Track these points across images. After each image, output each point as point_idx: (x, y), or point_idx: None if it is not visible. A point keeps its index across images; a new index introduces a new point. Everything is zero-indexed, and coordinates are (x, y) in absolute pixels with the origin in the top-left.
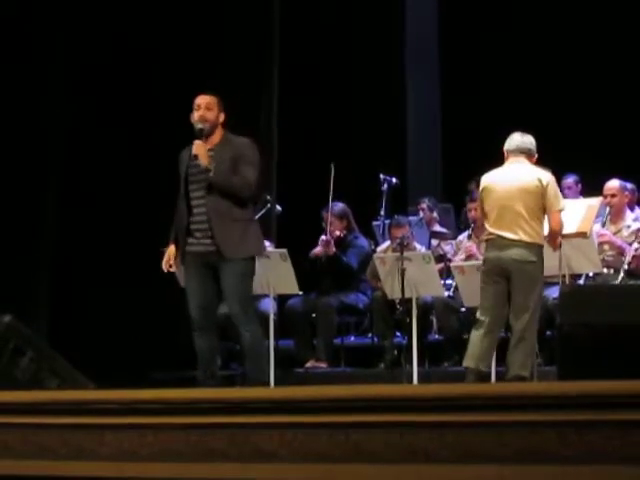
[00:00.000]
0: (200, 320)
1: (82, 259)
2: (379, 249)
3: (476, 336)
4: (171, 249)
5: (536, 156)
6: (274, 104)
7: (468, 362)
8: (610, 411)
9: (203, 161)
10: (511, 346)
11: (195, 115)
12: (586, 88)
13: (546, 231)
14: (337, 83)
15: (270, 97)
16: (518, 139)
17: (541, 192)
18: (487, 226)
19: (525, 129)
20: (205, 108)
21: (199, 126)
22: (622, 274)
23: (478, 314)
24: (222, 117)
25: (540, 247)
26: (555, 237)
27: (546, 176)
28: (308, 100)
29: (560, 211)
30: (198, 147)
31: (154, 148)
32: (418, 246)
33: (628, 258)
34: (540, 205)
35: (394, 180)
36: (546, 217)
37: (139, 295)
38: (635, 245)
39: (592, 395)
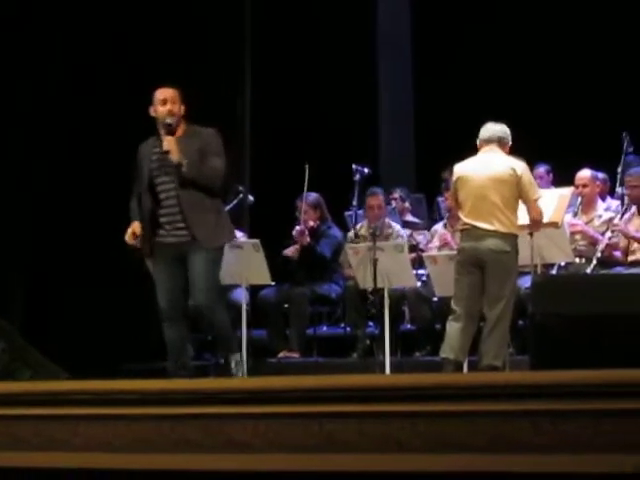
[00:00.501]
0: (169, 311)
1: (56, 252)
2: (349, 235)
3: (452, 327)
4: (136, 224)
5: (510, 144)
6: (247, 94)
7: (446, 353)
8: (583, 400)
9: (175, 157)
10: (484, 335)
11: (162, 110)
12: (557, 78)
13: (526, 220)
14: (310, 74)
15: (243, 87)
16: (490, 128)
17: (515, 182)
18: (462, 216)
19: (497, 119)
20: (171, 102)
21: (168, 121)
22: (594, 262)
23: (452, 304)
24: (183, 109)
25: (515, 237)
26: (537, 226)
27: (520, 165)
28: (281, 91)
29: (538, 199)
30: (169, 143)
31: (128, 145)
32: (395, 225)
33: (601, 246)
34: (515, 195)
35: (366, 170)
36: (524, 207)
37: (111, 287)
38: (608, 234)
39: (564, 384)
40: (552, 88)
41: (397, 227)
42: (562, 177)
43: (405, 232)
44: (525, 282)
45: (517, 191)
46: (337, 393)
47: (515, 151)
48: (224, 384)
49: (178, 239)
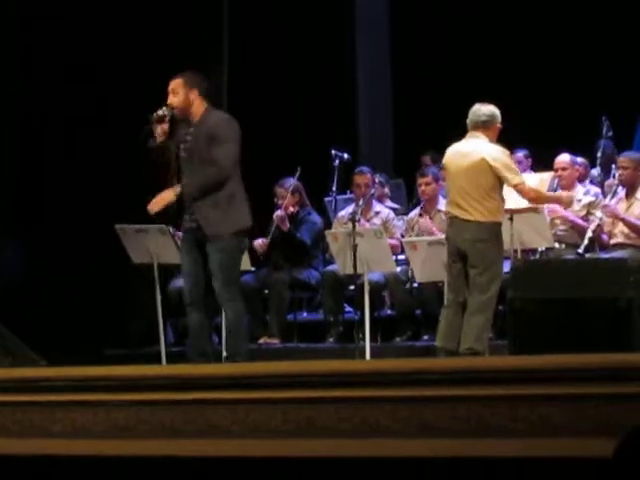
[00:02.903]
0: (190, 296)
1: (35, 237)
2: (339, 214)
3: (443, 315)
4: (170, 193)
5: (498, 125)
6: (224, 76)
7: (437, 341)
8: (562, 385)
9: (168, 198)
10: (465, 319)
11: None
12: (535, 63)
13: (511, 205)
14: (287, 59)
15: (220, 68)
16: (473, 112)
17: (491, 171)
18: (446, 204)
19: (475, 101)
20: (171, 93)
21: (158, 113)
22: (586, 242)
23: (445, 292)
24: (194, 94)
25: (494, 225)
26: (538, 204)
27: (494, 155)
28: (258, 76)
29: (521, 184)
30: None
31: (107, 129)
32: (377, 207)
33: (589, 234)
34: (493, 183)
35: (346, 156)
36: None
37: (92, 272)
38: (598, 214)
39: (544, 369)
40: (531, 73)
41: (384, 209)
42: (541, 162)
43: (391, 214)
44: (505, 267)
45: (496, 179)
46: (317, 379)
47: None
48: (204, 370)
49: (191, 224)
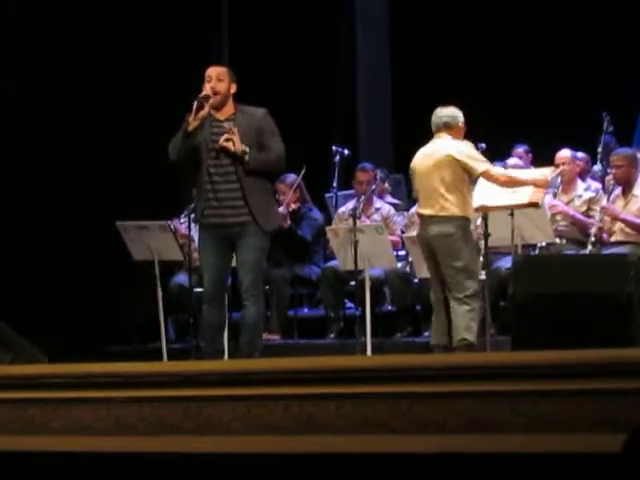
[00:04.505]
0: (212, 293)
1: (34, 230)
2: (340, 210)
3: (434, 313)
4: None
5: (460, 124)
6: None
7: (432, 339)
8: (564, 381)
9: (237, 147)
10: (452, 313)
11: (206, 87)
12: (537, 56)
13: (479, 202)
14: (286, 52)
15: (219, 57)
16: (437, 114)
17: (456, 165)
18: (417, 207)
19: (476, 97)
20: (216, 79)
21: (202, 94)
22: (590, 247)
23: (431, 288)
24: (234, 88)
25: (462, 219)
26: (510, 186)
27: (456, 147)
28: (257, 70)
29: (488, 170)
30: (233, 134)
31: (103, 117)
32: (378, 203)
33: (594, 230)
34: (459, 176)
35: (346, 151)
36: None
37: (94, 269)
38: (598, 216)
39: (545, 365)
40: (532, 66)
41: (385, 206)
42: (542, 157)
43: (392, 210)
44: (506, 262)
45: (462, 173)
46: (318, 375)
47: (495, 130)
48: (204, 366)
49: (232, 219)
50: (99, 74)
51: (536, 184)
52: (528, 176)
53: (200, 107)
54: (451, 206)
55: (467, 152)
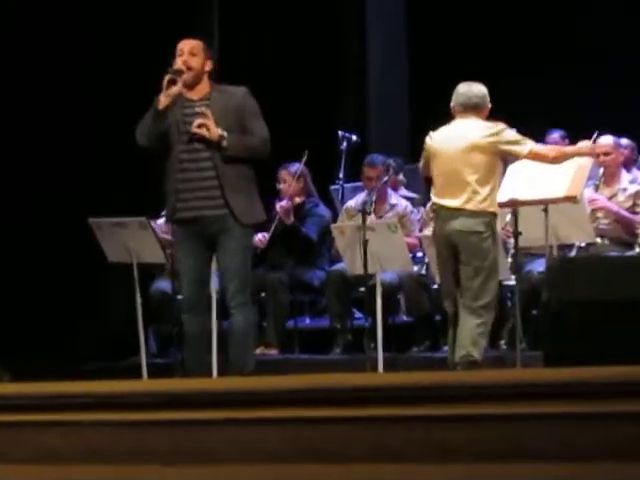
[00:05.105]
0: (192, 300)
1: (3, 240)
2: (347, 205)
3: (450, 325)
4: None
5: (488, 105)
6: (215, 38)
7: (448, 357)
8: (605, 401)
9: (213, 132)
10: (460, 323)
11: (178, 61)
12: (573, 28)
13: (506, 197)
14: (286, 24)
15: (209, 42)
16: (466, 92)
17: (492, 152)
18: (432, 195)
19: (501, 78)
20: (189, 53)
21: (173, 68)
22: (637, 248)
23: (443, 298)
24: (209, 65)
25: (490, 215)
26: (562, 161)
27: (492, 130)
28: (252, 47)
29: (532, 149)
30: (207, 118)
31: (73, 101)
32: (394, 199)
33: None
34: (493, 166)
35: (354, 137)
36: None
37: (64, 273)
38: None
39: (583, 383)
40: (566, 44)
41: (401, 201)
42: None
43: (409, 207)
44: (538, 266)
45: (494, 161)
46: (322, 395)
47: (525, 112)
48: (191, 385)
49: (208, 212)
50: (69, 54)
51: (583, 154)
52: (574, 147)
53: (172, 82)
54: (481, 199)
55: (505, 136)
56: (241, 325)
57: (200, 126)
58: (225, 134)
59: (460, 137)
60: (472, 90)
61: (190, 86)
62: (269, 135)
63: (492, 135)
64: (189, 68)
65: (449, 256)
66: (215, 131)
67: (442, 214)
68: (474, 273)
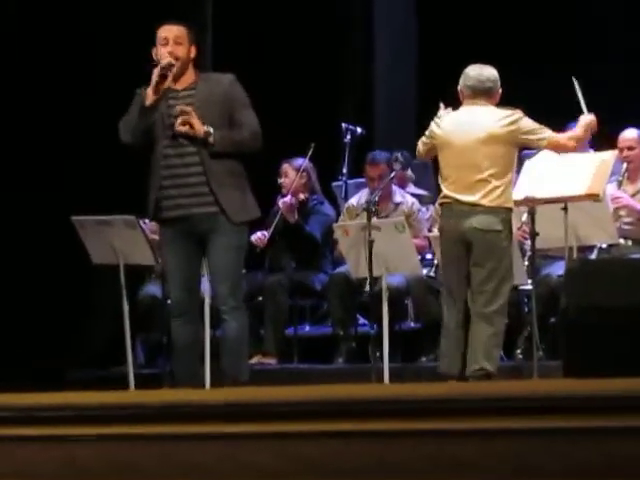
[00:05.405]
0: (182, 305)
1: None
2: (349, 203)
3: (444, 332)
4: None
5: (499, 90)
6: (207, 40)
7: (440, 366)
8: (629, 415)
9: (197, 129)
10: (471, 334)
11: (162, 51)
12: (591, 13)
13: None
14: (291, 12)
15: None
16: (477, 75)
17: (511, 142)
18: (442, 187)
19: (513, 67)
20: (174, 42)
21: (164, 62)
22: None
23: (443, 301)
24: (194, 52)
25: (508, 212)
26: (580, 144)
27: (511, 118)
28: (248, 33)
29: (551, 137)
30: (188, 113)
31: (56, 95)
32: (399, 196)
33: None
34: (511, 157)
35: (359, 130)
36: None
37: (44, 275)
38: None
39: (605, 396)
40: (587, 25)
41: (407, 199)
42: (602, 138)
43: (416, 204)
44: (557, 269)
45: (512, 152)
46: (322, 408)
47: (542, 103)
48: (181, 397)
49: (196, 210)
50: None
51: (587, 125)
52: (579, 126)
53: (163, 77)
54: (499, 194)
55: (525, 125)
56: (234, 331)
57: (184, 124)
58: (211, 130)
59: (475, 125)
60: (484, 73)
61: (176, 77)
62: (259, 127)
63: (511, 124)
64: (176, 59)
65: (461, 256)
66: (200, 128)
67: (455, 209)
68: (488, 275)
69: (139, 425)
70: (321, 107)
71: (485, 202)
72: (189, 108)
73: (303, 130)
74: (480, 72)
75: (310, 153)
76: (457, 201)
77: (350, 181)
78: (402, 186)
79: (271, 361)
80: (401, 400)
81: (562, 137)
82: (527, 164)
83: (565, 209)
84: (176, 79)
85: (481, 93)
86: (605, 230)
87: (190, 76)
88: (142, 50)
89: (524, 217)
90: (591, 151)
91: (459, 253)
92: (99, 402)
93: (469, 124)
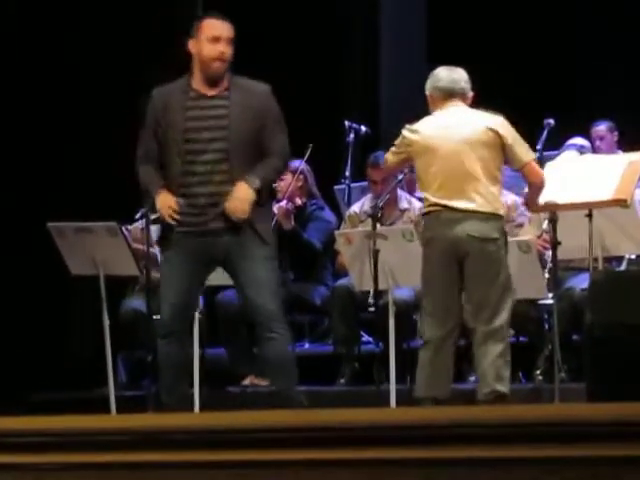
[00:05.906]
0: (172, 322)
1: None
2: (352, 209)
3: (424, 352)
4: (165, 195)
5: (472, 93)
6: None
7: (418, 391)
8: None
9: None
10: (477, 355)
11: (211, 50)
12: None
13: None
14: (295, 8)
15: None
16: (449, 76)
17: (498, 143)
18: (427, 195)
19: (531, 63)
20: (227, 42)
21: (215, 66)
22: None
23: (425, 317)
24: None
25: (501, 220)
26: (538, 194)
27: (499, 122)
28: (260, 28)
29: (533, 160)
30: (240, 212)
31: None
32: (405, 202)
33: None
34: (499, 162)
35: (363, 129)
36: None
37: (17, 287)
38: None
39: (634, 422)
40: (612, 16)
41: (415, 205)
42: (632, 138)
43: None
44: (581, 282)
45: (500, 156)
46: (322, 434)
47: (561, 101)
48: (168, 421)
49: (214, 225)
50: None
51: (615, 204)
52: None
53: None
54: (492, 198)
55: (513, 131)
56: (284, 350)
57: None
58: (257, 183)
59: (460, 128)
60: (455, 74)
61: (213, 82)
62: (288, 144)
63: (501, 127)
64: (226, 60)
65: (452, 266)
66: (247, 194)
67: (445, 217)
68: (489, 287)
69: (121, 452)
70: (323, 105)
71: (480, 208)
72: (243, 206)
73: (303, 130)
74: (451, 73)
75: (307, 154)
76: (448, 208)
77: (354, 184)
78: (411, 190)
79: (265, 383)
80: (409, 426)
81: (537, 168)
82: (548, 167)
83: (590, 216)
84: (213, 84)
85: (455, 94)
86: (633, 239)
87: (224, 81)
88: (141, 51)
89: (545, 225)
90: (619, 152)
91: (450, 263)
92: (77, 427)
93: (453, 127)
